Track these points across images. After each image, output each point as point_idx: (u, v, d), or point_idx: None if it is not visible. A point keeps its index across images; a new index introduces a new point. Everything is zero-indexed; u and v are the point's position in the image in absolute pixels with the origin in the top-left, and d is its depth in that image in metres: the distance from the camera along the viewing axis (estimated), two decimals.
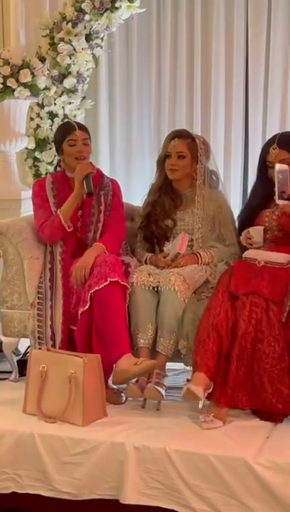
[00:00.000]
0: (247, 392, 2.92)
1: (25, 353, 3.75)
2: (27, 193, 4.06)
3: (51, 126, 4.34)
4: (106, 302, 3.14)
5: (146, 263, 3.47)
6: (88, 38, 4.19)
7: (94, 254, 3.29)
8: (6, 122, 4.17)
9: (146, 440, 2.75)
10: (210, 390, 2.92)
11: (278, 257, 3.15)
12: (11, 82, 4.04)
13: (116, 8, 4.12)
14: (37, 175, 4.37)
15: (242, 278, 3.07)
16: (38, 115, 4.34)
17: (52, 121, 4.34)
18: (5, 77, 4.03)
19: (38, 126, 4.35)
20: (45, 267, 3.46)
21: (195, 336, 3.04)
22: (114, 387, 3.25)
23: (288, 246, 3.21)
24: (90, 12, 4.10)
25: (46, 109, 4.32)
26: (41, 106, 4.32)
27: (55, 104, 4.31)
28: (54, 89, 4.24)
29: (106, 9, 4.10)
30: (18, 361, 3.60)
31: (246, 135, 4.62)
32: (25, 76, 4.05)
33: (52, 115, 4.34)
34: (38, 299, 3.43)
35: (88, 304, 3.16)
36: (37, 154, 4.36)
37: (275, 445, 2.73)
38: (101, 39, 4.28)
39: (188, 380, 3.04)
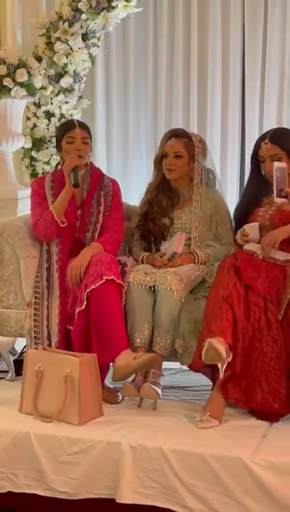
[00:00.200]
0: (241, 389, 2.91)
1: (22, 353, 3.74)
2: (23, 193, 4.08)
3: (48, 125, 4.34)
4: (103, 300, 3.13)
5: (142, 262, 3.46)
6: (85, 37, 4.19)
7: (90, 254, 3.27)
8: (3, 122, 4.18)
9: (143, 439, 2.75)
10: (230, 359, 2.83)
11: (277, 254, 3.15)
12: (8, 82, 4.04)
13: (113, 8, 4.12)
14: (33, 174, 4.37)
15: (245, 262, 3.07)
16: (35, 115, 4.35)
17: (49, 120, 4.34)
18: (1, 77, 4.04)
19: (35, 125, 4.35)
20: (42, 267, 3.45)
21: (204, 314, 2.99)
22: (111, 386, 3.25)
23: (286, 245, 3.20)
24: (87, 11, 4.10)
25: (43, 108, 4.32)
26: (38, 105, 4.32)
27: (51, 103, 4.31)
28: (50, 88, 4.24)
29: (103, 9, 4.10)
30: (14, 361, 3.60)
31: (243, 133, 4.61)
32: (22, 75, 4.06)
33: (48, 114, 4.35)
34: (35, 298, 3.43)
35: (85, 303, 3.15)
36: (33, 154, 4.37)
37: (271, 444, 2.72)
38: (98, 38, 4.28)
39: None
